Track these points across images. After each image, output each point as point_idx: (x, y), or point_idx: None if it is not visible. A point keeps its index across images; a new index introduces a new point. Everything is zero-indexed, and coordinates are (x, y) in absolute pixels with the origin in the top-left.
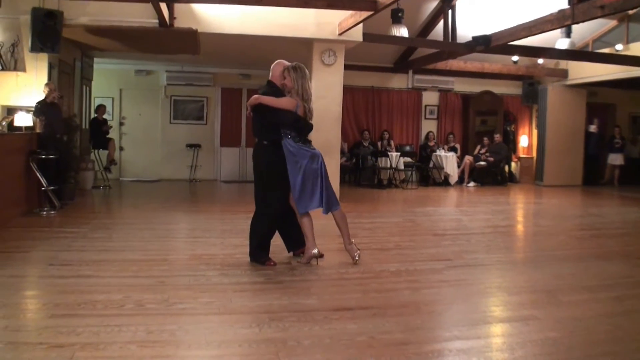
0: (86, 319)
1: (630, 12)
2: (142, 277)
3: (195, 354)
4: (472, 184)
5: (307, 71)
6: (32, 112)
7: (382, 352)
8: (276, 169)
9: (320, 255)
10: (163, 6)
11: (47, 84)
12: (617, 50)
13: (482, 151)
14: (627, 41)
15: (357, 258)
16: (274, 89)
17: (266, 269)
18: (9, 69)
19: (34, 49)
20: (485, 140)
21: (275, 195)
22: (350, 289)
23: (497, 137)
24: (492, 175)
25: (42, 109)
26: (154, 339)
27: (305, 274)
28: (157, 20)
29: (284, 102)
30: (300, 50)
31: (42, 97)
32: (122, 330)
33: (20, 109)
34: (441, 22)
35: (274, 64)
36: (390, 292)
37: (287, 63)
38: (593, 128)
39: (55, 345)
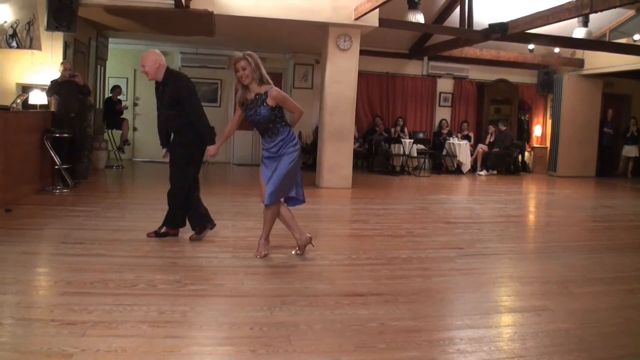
0: (98, 298)
1: None
2: (154, 257)
3: (207, 335)
4: (484, 172)
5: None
6: (45, 91)
7: (392, 339)
8: None
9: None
10: None
11: (62, 63)
12: (635, 41)
13: (492, 140)
14: None
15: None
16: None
17: (277, 252)
18: (24, 47)
19: (50, 27)
20: (491, 128)
21: None
22: (361, 274)
23: (501, 126)
24: (505, 164)
25: (54, 88)
26: (166, 319)
27: (316, 259)
28: (172, 1)
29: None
30: (315, 35)
31: (57, 75)
32: (134, 310)
33: (35, 87)
34: (457, 9)
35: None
36: (402, 279)
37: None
38: (607, 131)
39: (67, 322)
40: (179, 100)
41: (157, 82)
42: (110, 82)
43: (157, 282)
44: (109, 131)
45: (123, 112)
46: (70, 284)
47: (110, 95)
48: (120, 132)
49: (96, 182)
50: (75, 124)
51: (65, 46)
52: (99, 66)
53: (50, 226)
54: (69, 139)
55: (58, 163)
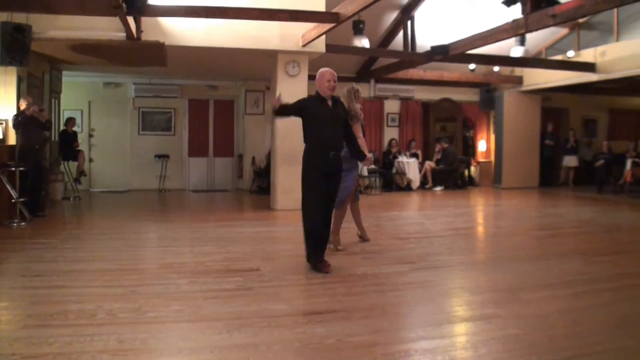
0: (59, 329)
1: (581, 20)
2: (113, 286)
3: None
4: (439, 188)
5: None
6: (13, 125)
7: (350, 355)
8: None
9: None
10: (130, 20)
11: (24, 97)
12: (569, 57)
13: (440, 157)
14: (578, 48)
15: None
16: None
17: (235, 275)
18: None
19: (3, 62)
20: (438, 146)
21: None
22: (318, 293)
23: (443, 144)
24: (451, 180)
25: (22, 122)
26: (126, 348)
27: (274, 280)
28: (124, 34)
29: None
30: (265, 62)
31: (15, 111)
32: (95, 340)
33: None
34: (401, 33)
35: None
36: (357, 296)
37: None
38: (548, 142)
39: (28, 356)
40: (345, 120)
41: (322, 98)
42: (65, 115)
43: (117, 311)
44: (65, 163)
45: (79, 144)
46: (30, 317)
47: (64, 127)
48: (76, 163)
49: (53, 214)
50: (40, 156)
51: (19, 80)
52: (53, 99)
53: (8, 260)
54: (26, 172)
55: (14, 196)
